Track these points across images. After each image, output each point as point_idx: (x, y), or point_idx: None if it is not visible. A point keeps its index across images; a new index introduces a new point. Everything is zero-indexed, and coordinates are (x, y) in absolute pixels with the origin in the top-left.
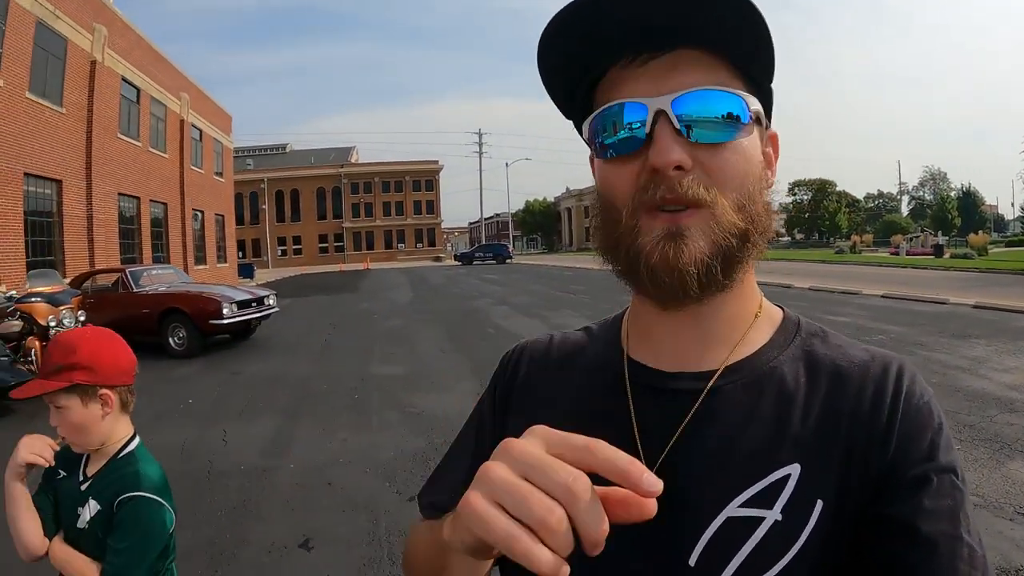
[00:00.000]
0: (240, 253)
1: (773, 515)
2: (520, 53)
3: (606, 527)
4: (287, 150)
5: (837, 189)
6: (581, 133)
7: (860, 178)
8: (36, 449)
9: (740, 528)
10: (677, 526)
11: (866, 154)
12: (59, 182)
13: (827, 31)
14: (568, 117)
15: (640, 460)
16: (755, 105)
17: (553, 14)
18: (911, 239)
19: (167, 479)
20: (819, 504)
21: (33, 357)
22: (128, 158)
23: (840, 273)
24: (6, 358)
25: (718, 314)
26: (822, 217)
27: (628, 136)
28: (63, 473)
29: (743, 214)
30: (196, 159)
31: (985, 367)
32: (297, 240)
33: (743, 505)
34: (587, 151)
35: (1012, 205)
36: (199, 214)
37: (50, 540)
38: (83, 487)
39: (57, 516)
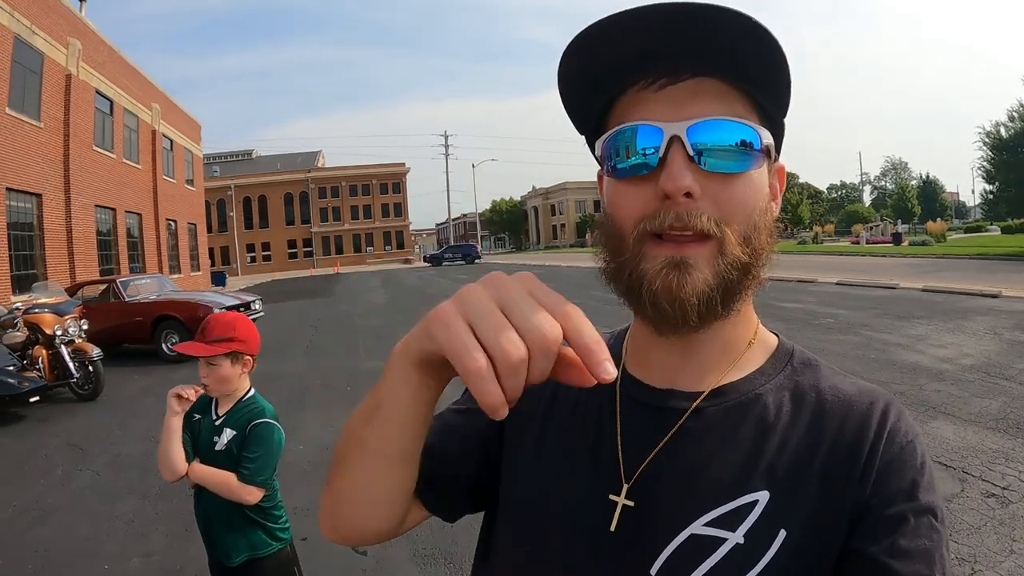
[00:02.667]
0: (210, 261)
1: (735, 538)
2: (485, 52)
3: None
4: (253, 156)
5: (800, 181)
6: (592, 149)
7: (824, 169)
8: (187, 391)
9: (702, 546)
10: (644, 535)
11: (830, 144)
12: (39, 196)
13: (792, 20)
14: (581, 132)
15: (619, 472)
16: (767, 139)
17: (579, 30)
18: (871, 228)
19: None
20: (782, 533)
21: (41, 366)
22: (104, 170)
23: (800, 263)
24: (13, 367)
25: (713, 339)
26: (785, 209)
27: (641, 159)
28: (198, 416)
29: (747, 247)
30: (168, 169)
31: (923, 343)
32: (266, 246)
33: (708, 524)
34: (557, 151)
35: (972, 192)
36: (172, 223)
37: (189, 464)
38: (217, 422)
39: (195, 447)
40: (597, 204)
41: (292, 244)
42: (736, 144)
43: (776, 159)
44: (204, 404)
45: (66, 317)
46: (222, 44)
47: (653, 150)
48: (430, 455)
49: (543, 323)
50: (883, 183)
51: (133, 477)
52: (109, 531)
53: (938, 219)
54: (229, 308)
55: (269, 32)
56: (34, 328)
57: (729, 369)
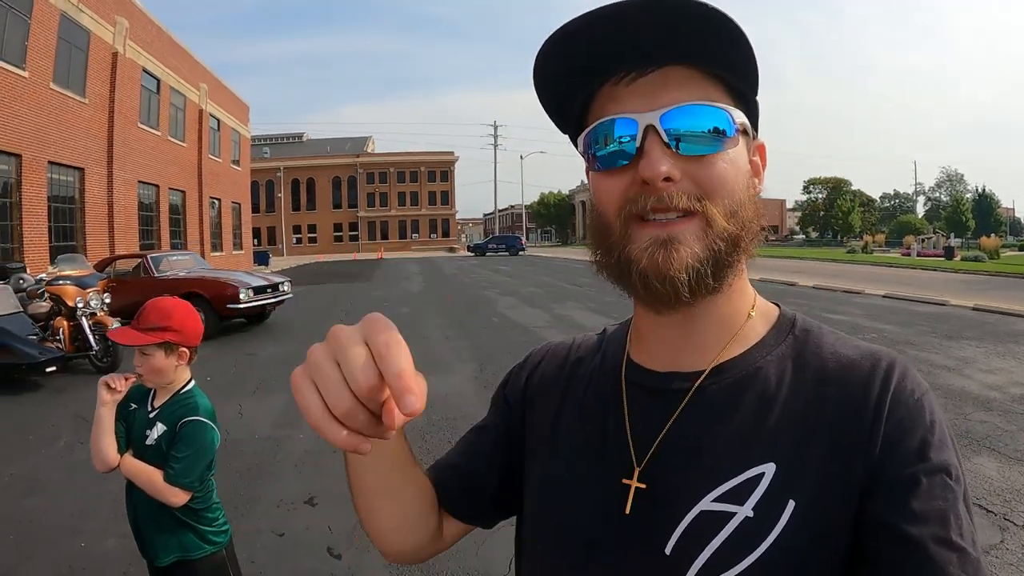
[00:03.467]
0: (256, 241)
1: (744, 511)
2: (537, 45)
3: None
4: (304, 139)
5: (852, 188)
6: (576, 146)
7: (878, 177)
8: (117, 381)
9: (712, 522)
10: (657, 516)
11: (885, 153)
12: (81, 170)
13: (851, 31)
14: (563, 131)
15: (631, 457)
16: (740, 118)
17: (547, 35)
18: (923, 240)
19: (215, 411)
20: (791, 504)
21: (61, 336)
22: (148, 147)
23: (848, 272)
24: (35, 336)
25: (709, 316)
26: (836, 216)
27: (619, 150)
28: (134, 406)
29: (734, 220)
30: (214, 148)
31: (971, 367)
32: (312, 228)
33: (716, 500)
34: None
35: None
36: (216, 202)
37: (121, 456)
38: (151, 415)
39: (128, 439)
40: None
41: (338, 227)
42: (710, 127)
43: (755, 137)
44: (143, 394)
45: (88, 290)
46: (282, 29)
47: (630, 139)
48: (456, 474)
49: (361, 372)
50: (937, 195)
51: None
52: (96, 508)
53: (992, 235)
54: (256, 288)
55: (329, 19)
56: (57, 299)
57: (730, 344)
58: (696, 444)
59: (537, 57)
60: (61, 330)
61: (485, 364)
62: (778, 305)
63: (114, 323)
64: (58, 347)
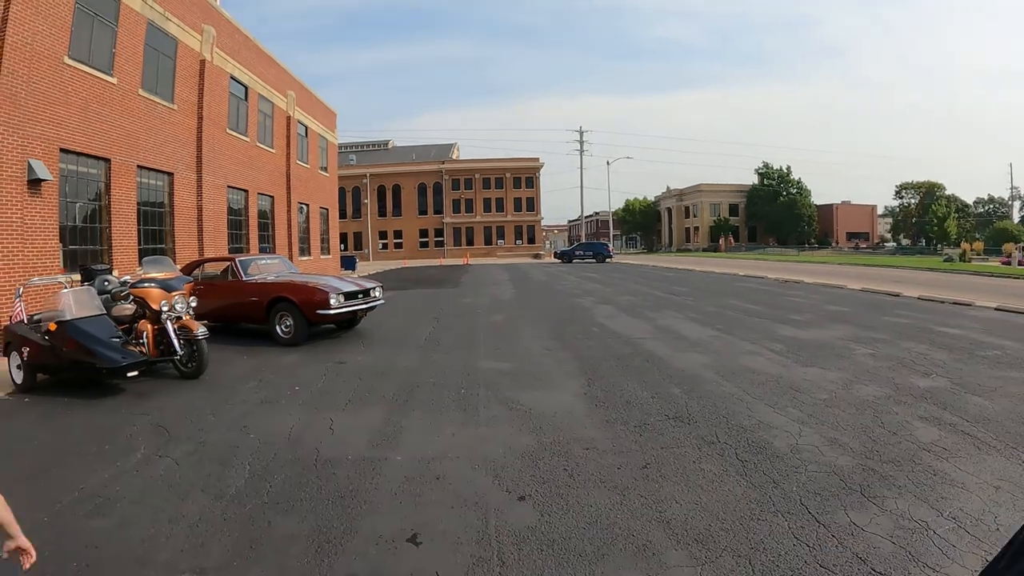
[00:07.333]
0: (343, 246)
1: None
2: (619, 51)
3: None
4: (389, 146)
5: (946, 192)
6: None
7: (969, 181)
8: None
9: None
10: None
11: (976, 156)
12: (171, 174)
13: (935, 27)
14: None
15: None
16: None
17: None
18: None
19: None
20: None
21: (144, 340)
22: (237, 152)
23: (949, 282)
24: (118, 339)
25: None
26: (930, 222)
27: None
28: None
29: None
30: (302, 154)
31: None
32: (398, 234)
33: None
34: (692, 151)
35: None
36: (304, 207)
37: None
38: None
39: None
40: (732, 207)
41: (424, 233)
42: None
43: None
44: None
45: (174, 293)
46: (367, 40)
47: None
48: None
49: None
50: None
51: (211, 471)
52: (169, 534)
53: None
54: (347, 294)
55: (411, 29)
56: (141, 302)
57: None
58: None
59: None
60: (145, 333)
61: (592, 379)
62: None
63: (199, 328)
64: (141, 351)
